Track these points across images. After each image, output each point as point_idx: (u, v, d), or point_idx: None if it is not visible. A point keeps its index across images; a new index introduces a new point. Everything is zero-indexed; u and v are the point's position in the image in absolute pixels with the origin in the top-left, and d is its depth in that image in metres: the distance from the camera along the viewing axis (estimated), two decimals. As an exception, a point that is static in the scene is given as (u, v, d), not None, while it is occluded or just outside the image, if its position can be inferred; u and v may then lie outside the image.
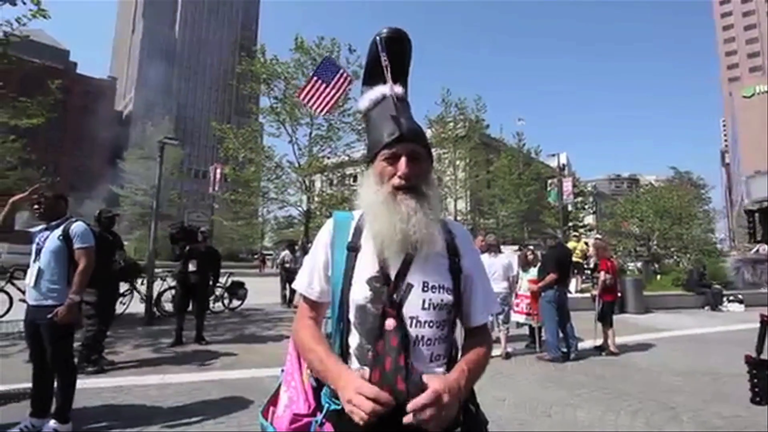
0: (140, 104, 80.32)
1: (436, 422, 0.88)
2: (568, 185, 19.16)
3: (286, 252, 10.86)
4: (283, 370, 1.19)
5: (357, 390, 0.89)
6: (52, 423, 2.95)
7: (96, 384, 4.16)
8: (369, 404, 0.86)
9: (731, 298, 11.34)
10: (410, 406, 0.87)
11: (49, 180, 21.33)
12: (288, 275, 10.48)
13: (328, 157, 12.88)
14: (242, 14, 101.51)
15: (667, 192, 20.65)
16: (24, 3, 6.56)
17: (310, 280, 1.15)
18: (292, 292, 11.00)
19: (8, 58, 6.93)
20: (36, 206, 3.10)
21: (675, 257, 18.78)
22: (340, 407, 0.99)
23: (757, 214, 2.19)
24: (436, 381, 0.93)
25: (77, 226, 3.14)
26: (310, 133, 12.29)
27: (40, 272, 2.98)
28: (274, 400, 1.16)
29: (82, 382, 4.01)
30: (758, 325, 2.16)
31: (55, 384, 3.03)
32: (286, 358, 1.20)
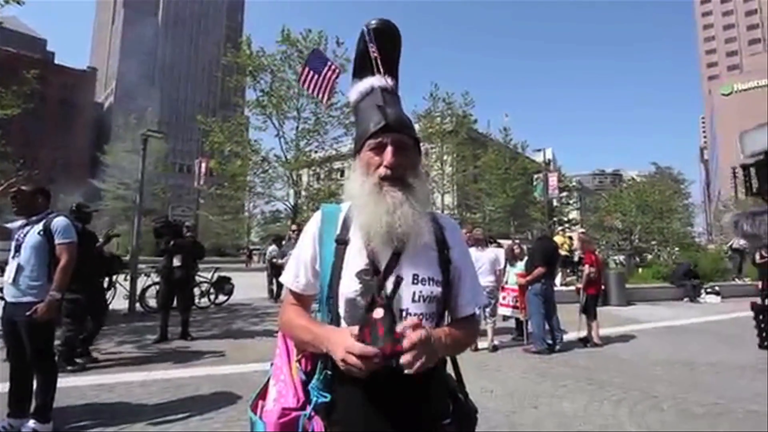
0: (122, 96, 78.21)
1: (416, 359, 0.87)
2: (553, 180, 19.41)
3: (273, 247, 10.77)
4: (272, 364, 1.18)
5: (347, 350, 0.88)
6: (32, 423, 2.88)
7: (78, 382, 4.07)
8: (359, 362, 0.86)
9: (708, 290, 11.70)
10: (403, 359, 0.87)
11: (26, 173, 20.68)
12: (275, 270, 10.41)
13: (316, 151, 12.78)
14: (227, 3, 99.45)
15: (649, 187, 21.14)
16: (-3, -11, 6.30)
17: (297, 272, 1.14)
18: (279, 286, 10.96)
19: (-20, 46, 6.66)
20: (13, 200, 2.99)
21: (656, 251, 19.27)
22: (328, 399, 0.99)
23: (752, 168, 2.23)
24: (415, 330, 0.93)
25: (59, 221, 3.04)
26: (297, 127, 12.17)
27: (19, 268, 2.88)
28: (263, 394, 1.15)
29: (64, 380, 3.90)
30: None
31: (35, 383, 2.95)
32: (275, 352, 1.18)
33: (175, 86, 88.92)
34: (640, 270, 14.77)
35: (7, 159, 19.92)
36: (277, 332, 1.21)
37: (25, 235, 2.95)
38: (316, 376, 1.03)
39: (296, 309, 1.14)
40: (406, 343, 0.87)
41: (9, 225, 3.09)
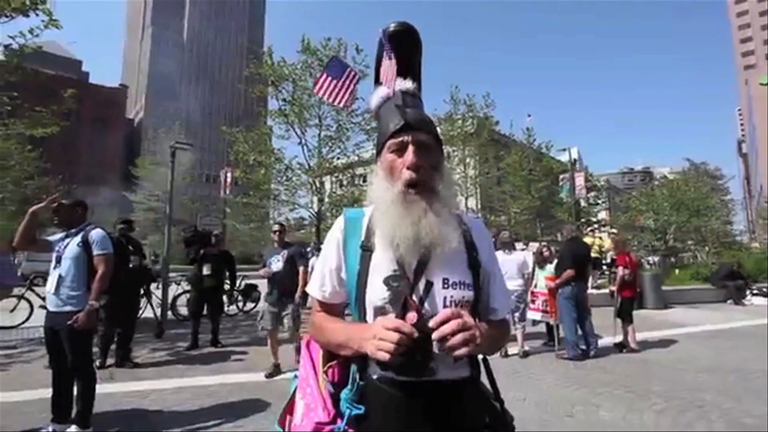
0: (151, 111, 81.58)
1: (463, 340, 0.85)
2: (580, 180, 18.85)
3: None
4: (296, 376, 1.15)
5: (382, 325, 0.87)
6: (73, 428, 2.97)
7: (113, 389, 4.20)
8: (394, 335, 0.84)
9: (755, 291, 11.03)
10: (435, 333, 0.86)
11: (66, 188, 21.81)
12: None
13: (338, 158, 12.85)
14: (249, 18, 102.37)
15: (683, 184, 20.20)
16: (36, 14, 6.66)
17: (322, 281, 1.12)
18: (304, 294, 11.04)
19: (23, 69, 7.06)
20: (54, 214, 3.13)
21: (693, 251, 18.36)
22: (362, 411, 0.95)
23: None
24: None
25: (96, 233, 3.17)
26: (319, 135, 12.29)
27: (60, 279, 3.01)
28: (289, 408, 1.12)
29: (100, 388, 4.04)
30: None
31: (75, 389, 3.05)
32: (300, 363, 1.15)
33: (200, 99, 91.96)
34: (677, 271, 14.11)
35: (48, 174, 21.11)
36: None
37: (65, 247, 3.08)
38: (348, 387, 1.00)
39: (325, 314, 1.12)
40: (439, 317, 0.86)
41: (50, 238, 3.22)
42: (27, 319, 7.42)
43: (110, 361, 5.10)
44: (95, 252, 3.11)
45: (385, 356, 0.84)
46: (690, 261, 17.39)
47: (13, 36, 6.68)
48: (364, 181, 16.53)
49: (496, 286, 1.11)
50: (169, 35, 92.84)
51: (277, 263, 4.85)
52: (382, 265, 1.01)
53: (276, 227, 5.10)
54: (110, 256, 3.16)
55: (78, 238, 3.10)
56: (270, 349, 4.87)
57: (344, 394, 0.99)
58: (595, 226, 21.83)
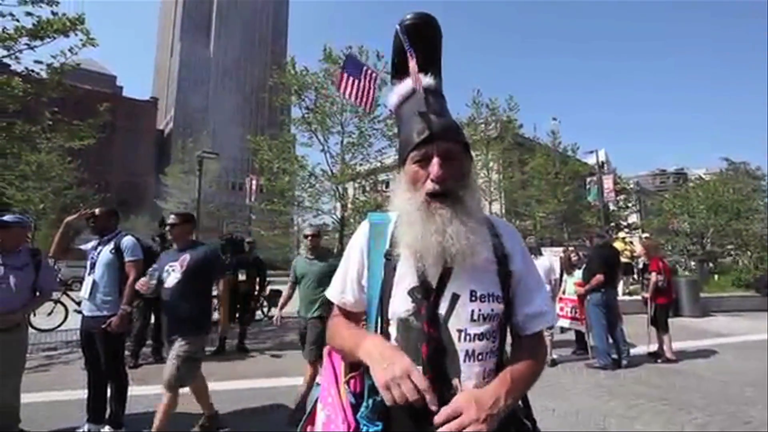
0: (179, 122, 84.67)
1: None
2: (608, 183, 18.25)
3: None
4: (318, 384, 1.13)
5: (406, 370, 0.83)
6: (107, 429, 3.07)
7: (144, 391, 4.31)
8: (411, 389, 0.80)
9: (803, 299, 10.35)
10: (437, 418, 0.82)
11: (101, 197, 22.85)
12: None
13: (361, 164, 12.94)
14: (272, 29, 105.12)
15: (720, 185, 19.21)
16: (75, 34, 7.04)
17: (343, 288, 1.09)
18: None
19: (63, 85, 7.45)
20: (91, 222, 3.30)
21: (733, 255, 17.42)
22: (379, 429, 0.92)
23: None
24: (464, 393, 0.86)
25: (127, 240, 3.29)
26: (342, 141, 12.41)
27: (94, 285, 3.14)
28: (310, 419, 1.10)
29: (132, 389, 4.17)
30: None
31: (109, 391, 3.16)
32: (322, 372, 1.13)
33: (226, 109, 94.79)
34: (716, 277, 13.40)
35: (85, 184, 22.17)
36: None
37: (98, 254, 3.22)
38: (363, 404, 0.96)
39: (343, 320, 1.09)
40: (448, 409, 0.83)
41: (82, 246, 3.38)
42: (63, 321, 7.80)
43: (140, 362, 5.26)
44: (126, 258, 3.22)
45: (388, 400, 0.81)
46: (731, 267, 16.43)
47: (54, 55, 7.09)
48: (387, 186, 16.56)
49: (531, 297, 1.04)
50: (196, 49, 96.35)
51: (170, 275, 3.02)
52: (406, 275, 0.98)
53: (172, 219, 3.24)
54: (140, 262, 3.27)
55: (110, 246, 3.24)
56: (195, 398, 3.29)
57: (361, 410, 0.96)
58: (626, 230, 21.06)
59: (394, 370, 0.83)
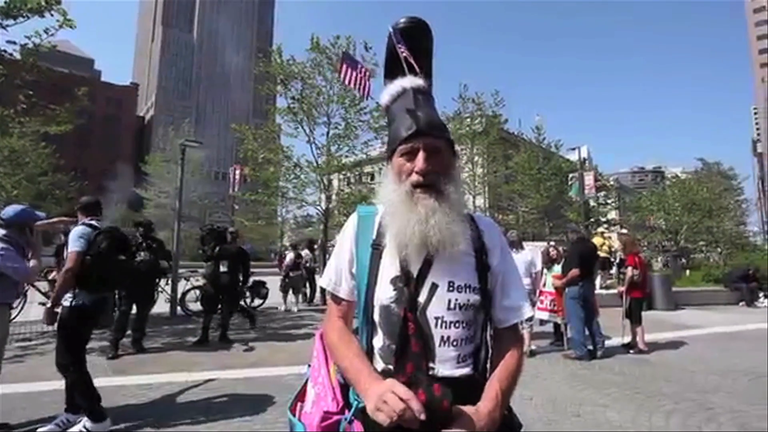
0: (161, 109, 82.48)
1: None
2: (589, 179, 18.60)
3: (306, 251, 10.94)
4: (309, 366, 1.18)
5: (391, 388, 0.85)
6: (85, 420, 3.03)
7: (125, 382, 4.27)
8: (401, 404, 0.81)
9: (768, 293, 10.86)
10: None
11: (78, 185, 22.14)
12: (308, 274, 10.56)
13: (346, 156, 12.87)
14: (257, 16, 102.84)
15: (695, 184, 19.88)
16: (51, 15, 6.76)
17: (338, 278, 1.13)
18: (312, 290, 11.10)
19: (38, 68, 7.17)
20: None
21: (704, 252, 18.10)
22: None
23: None
24: (464, 420, 0.87)
25: (73, 231, 3.13)
26: (328, 133, 12.32)
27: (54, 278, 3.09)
28: (301, 395, 1.15)
29: (109, 380, 4.13)
30: None
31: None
32: (312, 354, 1.18)
33: (209, 97, 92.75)
34: (687, 272, 13.91)
35: (61, 171, 21.42)
36: (311, 335, 1.21)
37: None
38: None
39: (341, 332, 1.11)
40: None
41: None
42: (18, 313, 7.10)
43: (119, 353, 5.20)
44: (68, 249, 3.05)
45: (384, 421, 0.83)
46: (703, 262, 17.09)
47: (29, 36, 6.80)
48: (372, 179, 16.55)
49: (508, 290, 1.09)
50: (179, 34, 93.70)
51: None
52: (391, 264, 1.02)
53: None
54: (75, 253, 3.01)
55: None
56: None
57: (351, 388, 1.01)
58: (605, 226, 21.60)
59: (380, 392, 0.86)
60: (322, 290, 10.16)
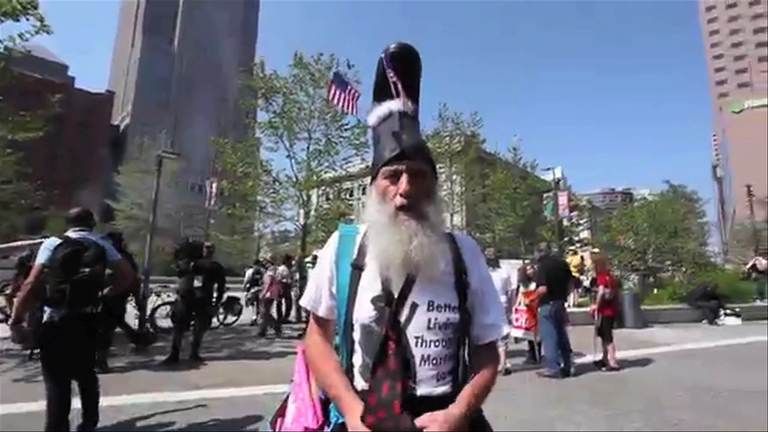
0: (137, 118, 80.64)
1: None
2: (563, 199, 19.22)
3: (283, 267, 10.77)
4: (291, 381, 1.19)
5: (353, 429, 0.93)
6: None
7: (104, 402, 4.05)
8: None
9: (728, 311, 11.35)
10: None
11: (43, 194, 21.23)
12: (284, 290, 10.38)
13: (326, 172, 12.89)
14: (241, 29, 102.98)
15: (662, 206, 20.82)
16: (27, 19, 6.61)
17: (318, 296, 1.15)
18: (288, 307, 10.89)
19: (10, 72, 6.95)
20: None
21: (670, 271, 18.85)
22: None
23: None
24: (435, 425, 0.92)
25: (44, 242, 3.01)
26: (308, 148, 12.34)
27: None
28: (282, 411, 1.16)
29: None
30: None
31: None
32: (294, 369, 1.19)
33: (188, 108, 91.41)
34: (655, 291, 14.42)
35: (27, 179, 20.53)
36: (286, 353, 1.22)
37: None
38: None
39: (321, 348, 1.14)
40: None
41: None
42: None
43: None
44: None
45: None
46: (669, 281, 17.81)
47: (1, 39, 6.61)
48: (351, 195, 16.59)
49: (487, 309, 1.13)
50: (160, 44, 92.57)
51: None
52: (371, 284, 1.04)
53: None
54: (35, 267, 2.90)
55: None
56: None
57: (332, 405, 1.03)
58: (578, 244, 22.24)
59: (357, 419, 0.93)
60: (298, 307, 10.01)
